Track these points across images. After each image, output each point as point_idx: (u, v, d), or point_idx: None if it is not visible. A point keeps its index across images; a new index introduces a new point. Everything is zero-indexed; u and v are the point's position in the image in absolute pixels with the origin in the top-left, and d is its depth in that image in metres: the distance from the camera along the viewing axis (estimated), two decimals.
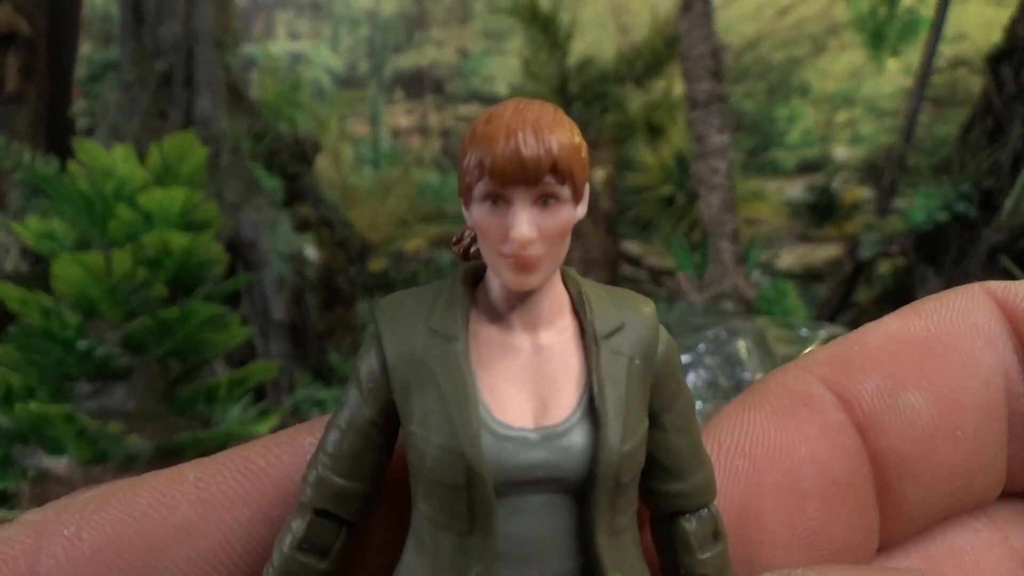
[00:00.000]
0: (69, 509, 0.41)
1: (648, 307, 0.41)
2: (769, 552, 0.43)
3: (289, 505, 0.42)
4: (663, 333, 0.41)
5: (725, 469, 0.43)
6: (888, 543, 0.47)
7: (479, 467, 0.35)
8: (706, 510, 0.41)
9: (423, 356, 0.37)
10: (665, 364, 0.40)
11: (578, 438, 0.37)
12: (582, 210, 0.39)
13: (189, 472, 0.42)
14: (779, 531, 0.44)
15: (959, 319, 0.47)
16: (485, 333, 0.39)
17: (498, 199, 0.36)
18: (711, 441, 0.45)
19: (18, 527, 0.41)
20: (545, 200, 0.36)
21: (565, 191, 0.36)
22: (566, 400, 0.37)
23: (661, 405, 0.40)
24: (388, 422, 0.40)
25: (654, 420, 0.40)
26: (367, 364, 0.41)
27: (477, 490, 0.36)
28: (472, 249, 0.43)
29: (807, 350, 2.15)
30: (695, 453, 0.41)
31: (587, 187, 0.39)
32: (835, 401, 0.46)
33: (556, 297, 0.39)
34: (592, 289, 0.41)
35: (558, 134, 0.35)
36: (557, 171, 0.35)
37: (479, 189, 0.36)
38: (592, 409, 0.37)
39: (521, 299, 0.39)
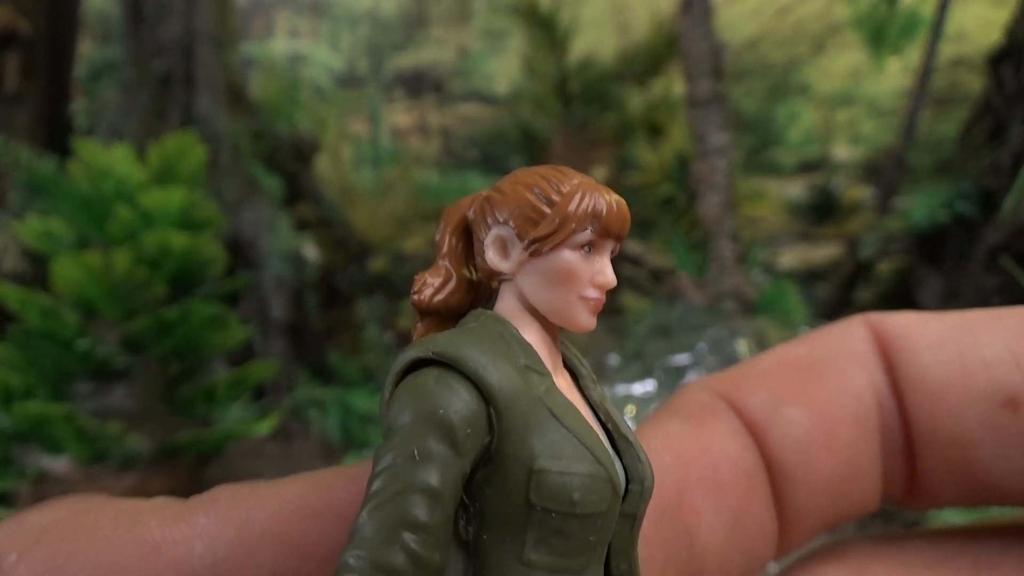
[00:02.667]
0: (18, 533, 0.41)
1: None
2: (705, 533, 0.49)
3: None
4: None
5: (656, 466, 0.46)
6: (781, 548, 0.53)
7: (620, 486, 0.39)
8: None
9: (533, 392, 0.38)
10: None
11: (620, 465, 0.40)
12: None
13: (105, 526, 0.42)
14: (708, 515, 0.49)
15: (837, 344, 0.54)
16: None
17: (591, 248, 0.41)
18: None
19: None
20: (612, 255, 0.42)
21: (616, 249, 0.43)
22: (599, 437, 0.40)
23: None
24: (468, 473, 0.37)
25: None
26: (458, 409, 0.36)
27: (612, 512, 0.38)
28: (436, 299, 0.43)
29: None
30: None
31: None
32: (730, 411, 0.52)
33: (555, 344, 0.43)
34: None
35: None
36: (624, 234, 0.42)
37: (582, 236, 0.40)
38: (613, 443, 0.41)
39: (554, 344, 0.42)
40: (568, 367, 0.44)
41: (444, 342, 0.38)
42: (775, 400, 0.51)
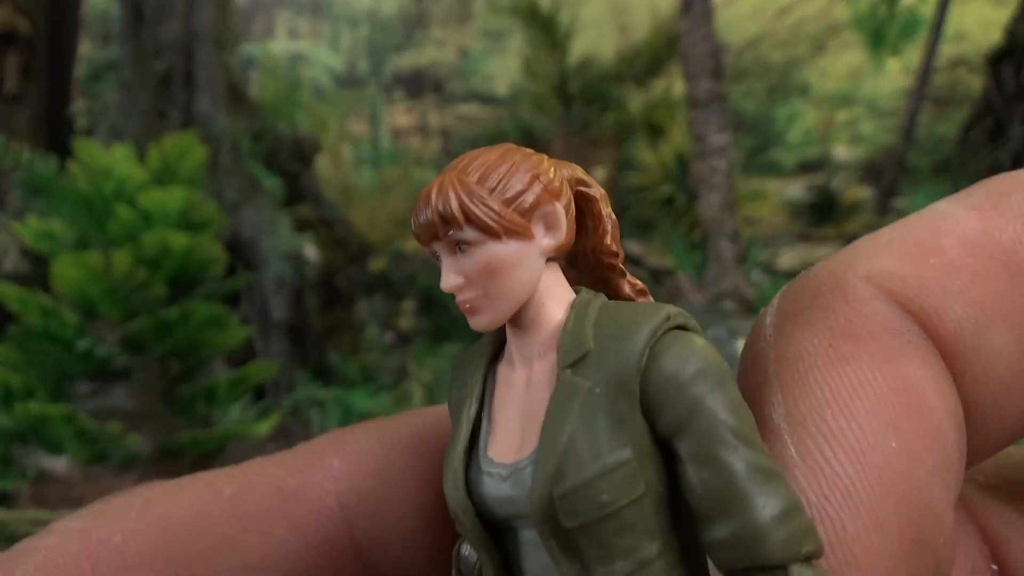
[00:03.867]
0: (110, 517, 0.41)
1: (646, 326, 0.36)
2: (947, 552, 0.35)
3: (320, 524, 0.42)
4: (663, 355, 0.35)
5: (880, 457, 0.33)
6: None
7: (455, 503, 0.37)
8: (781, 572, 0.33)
9: (456, 404, 0.40)
10: (662, 388, 0.35)
11: (528, 474, 0.36)
12: (548, 240, 0.38)
13: (224, 486, 0.42)
14: (948, 517, 0.35)
15: None
16: (502, 374, 0.41)
17: (436, 256, 0.39)
18: (822, 412, 0.34)
19: (60, 536, 0.40)
20: (459, 247, 0.38)
21: (470, 234, 0.37)
22: (534, 437, 0.37)
23: (669, 430, 0.35)
24: None
25: (671, 451, 0.35)
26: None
27: (467, 525, 0.38)
28: None
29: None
30: (728, 490, 0.34)
31: (544, 218, 0.38)
32: (924, 336, 0.36)
33: (548, 330, 0.39)
34: (581, 313, 0.38)
35: (453, 187, 0.37)
36: (450, 221, 0.37)
37: (426, 250, 0.39)
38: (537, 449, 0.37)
39: (515, 335, 0.40)
40: (560, 352, 0.38)
41: (455, 357, 0.43)
42: (979, 316, 0.36)
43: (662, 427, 0.35)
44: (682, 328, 0.37)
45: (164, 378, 2.37)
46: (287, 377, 3.32)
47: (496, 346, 0.41)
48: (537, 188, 0.38)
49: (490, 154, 0.38)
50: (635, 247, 5.36)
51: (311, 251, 4.07)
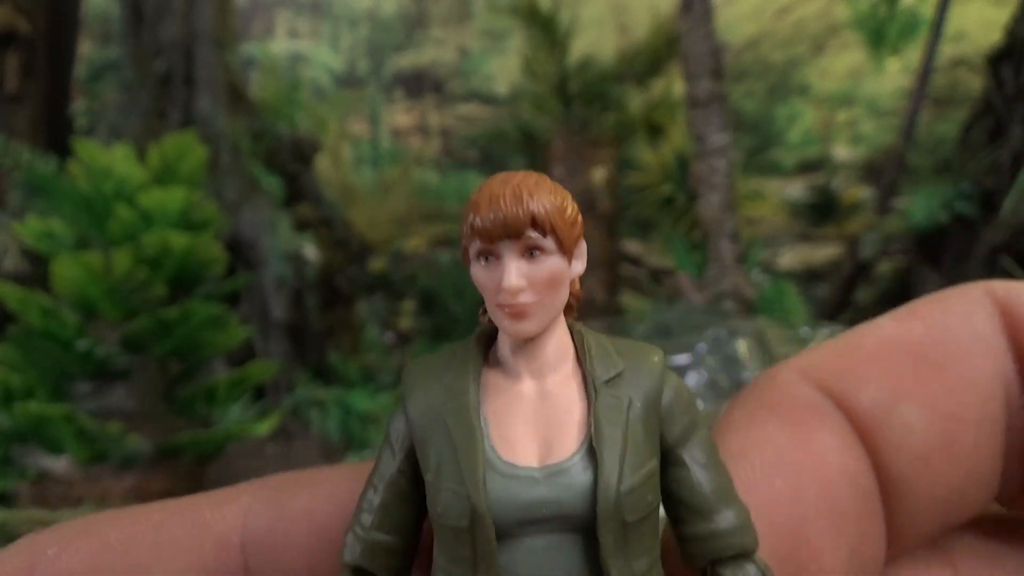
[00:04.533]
0: (56, 535, 0.45)
1: (654, 356, 0.43)
2: (825, 570, 0.41)
3: (220, 557, 0.45)
4: (671, 379, 0.42)
5: (764, 491, 0.40)
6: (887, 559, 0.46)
7: (481, 507, 0.38)
8: (751, 565, 0.41)
9: (439, 411, 0.41)
10: (673, 406, 0.42)
11: (579, 475, 0.39)
12: (578, 267, 0.43)
13: (155, 514, 0.46)
14: (828, 551, 0.42)
15: (958, 325, 0.44)
16: (496, 384, 0.42)
17: (489, 256, 0.40)
18: (734, 459, 0.42)
19: (15, 548, 0.44)
20: (531, 252, 0.40)
21: (548, 243, 0.40)
22: (569, 441, 0.39)
23: (675, 440, 0.41)
24: (415, 474, 0.43)
25: (671, 457, 0.42)
26: (395, 423, 0.43)
27: (480, 532, 0.38)
28: (482, 319, 0.46)
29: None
30: (722, 489, 0.41)
31: (582, 246, 0.43)
32: (838, 411, 0.44)
33: (560, 346, 0.42)
34: (596, 340, 0.43)
35: (538, 194, 0.40)
36: (536, 224, 0.39)
37: (472, 249, 0.41)
38: (592, 449, 0.39)
39: (526, 349, 0.42)
40: (584, 367, 0.43)
41: (410, 366, 0.44)
42: (890, 397, 0.42)
43: (669, 436, 0.41)
44: None
45: (164, 378, 2.37)
46: (287, 377, 3.32)
47: (479, 357, 0.43)
48: (580, 221, 0.42)
49: (546, 179, 0.42)
50: (635, 247, 5.36)
51: (311, 251, 4.07)
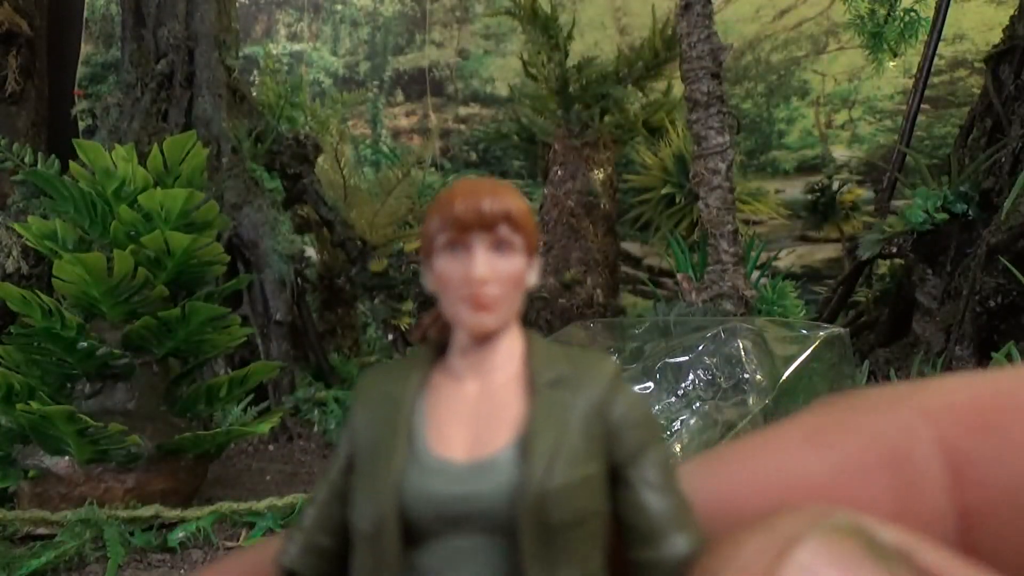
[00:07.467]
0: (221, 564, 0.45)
1: (607, 364, 0.41)
2: None
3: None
4: (624, 391, 0.41)
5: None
6: None
7: (386, 509, 0.36)
8: None
9: (375, 415, 0.40)
10: (624, 419, 0.40)
11: (505, 470, 0.37)
12: (533, 276, 0.43)
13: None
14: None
15: None
16: (439, 384, 0.41)
17: (457, 246, 0.40)
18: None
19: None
20: (500, 246, 0.40)
21: (518, 240, 0.41)
22: (500, 436, 0.38)
23: (623, 459, 0.39)
24: None
25: (618, 478, 0.39)
26: (344, 432, 0.43)
27: (385, 538, 0.36)
28: (430, 331, 0.45)
29: (807, 351, 2.15)
30: (674, 514, 0.38)
31: (538, 260, 0.43)
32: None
33: (509, 349, 0.42)
34: (546, 345, 0.43)
35: (512, 196, 0.41)
36: (510, 219, 0.40)
37: (441, 240, 0.41)
38: (523, 446, 0.38)
39: (476, 350, 0.41)
40: (532, 370, 0.42)
41: (362, 376, 0.44)
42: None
43: (617, 454, 0.39)
44: None
45: (165, 378, 2.37)
46: (288, 377, 3.32)
47: (428, 362, 0.42)
48: (536, 232, 0.43)
49: (507, 184, 0.42)
50: (635, 248, 5.36)
51: (312, 252, 4.07)
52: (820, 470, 0.39)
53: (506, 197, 0.40)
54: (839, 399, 0.43)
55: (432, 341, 0.44)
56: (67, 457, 2.08)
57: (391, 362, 0.44)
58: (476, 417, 0.39)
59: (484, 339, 0.41)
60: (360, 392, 0.42)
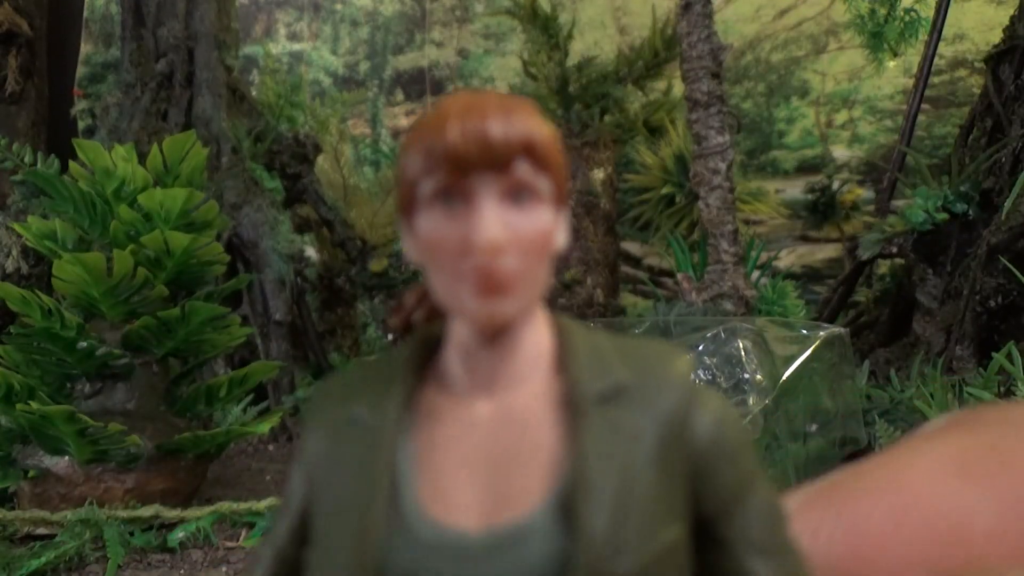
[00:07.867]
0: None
1: (678, 362, 0.28)
2: None
3: None
4: (710, 399, 0.28)
5: None
6: None
7: (364, 563, 0.25)
8: None
9: (340, 454, 0.28)
10: (714, 445, 0.27)
11: (543, 545, 0.25)
12: (562, 236, 0.29)
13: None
14: None
15: None
16: (434, 407, 0.29)
17: (454, 196, 0.26)
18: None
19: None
20: (518, 194, 0.27)
21: (544, 184, 0.27)
22: (530, 488, 0.26)
23: (716, 510, 0.27)
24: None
25: (708, 532, 0.27)
26: (295, 471, 0.30)
27: None
28: (415, 315, 0.32)
29: (807, 351, 2.15)
30: None
31: (567, 208, 0.28)
32: None
33: (532, 349, 0.28)
34: (587, 338, 0.28)
35: (532, 118, 0.27)
36: (533, 152, 0.26)
37: (426, 187, 0.27)
38: (566, 503, 0.26)
39: (485, 351, 0.28)
40: (572, 378, 0.28)
41: (317, 388, 0.33)
42: None
43: (712, 501, 0.26)
44: None
45: (165, 378, 2.37)
46: (288, 377, 3.32)
47: (413, 371, 0.29)
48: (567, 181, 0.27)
49: (522, 98, 0.28)
50: (635, 248, 5.36)
51: (312, 251, 4.07)
52: (984, 508, 0.31)
53: (524, 119, 0.26)
54: (969, 415, 0.34)
55: (419, 334, 0.30)
56: (67, 457, 2.08)
57: (359, 365, 0.31)
58: (492, 459, 0.27)
59: (498, 334, 0.28)
60: (317, 413, 0.29)
